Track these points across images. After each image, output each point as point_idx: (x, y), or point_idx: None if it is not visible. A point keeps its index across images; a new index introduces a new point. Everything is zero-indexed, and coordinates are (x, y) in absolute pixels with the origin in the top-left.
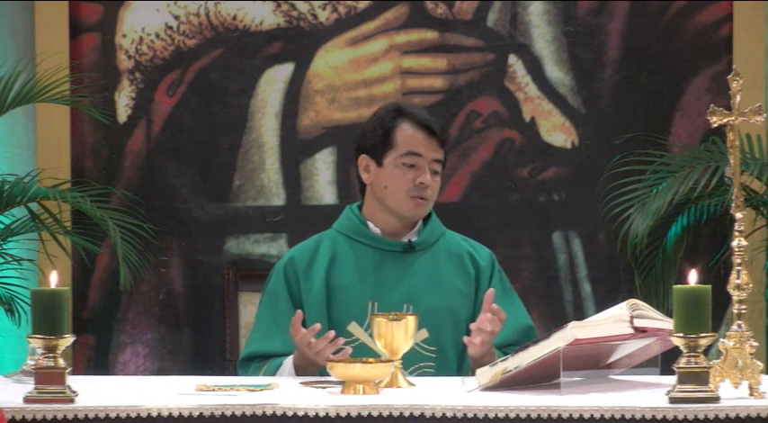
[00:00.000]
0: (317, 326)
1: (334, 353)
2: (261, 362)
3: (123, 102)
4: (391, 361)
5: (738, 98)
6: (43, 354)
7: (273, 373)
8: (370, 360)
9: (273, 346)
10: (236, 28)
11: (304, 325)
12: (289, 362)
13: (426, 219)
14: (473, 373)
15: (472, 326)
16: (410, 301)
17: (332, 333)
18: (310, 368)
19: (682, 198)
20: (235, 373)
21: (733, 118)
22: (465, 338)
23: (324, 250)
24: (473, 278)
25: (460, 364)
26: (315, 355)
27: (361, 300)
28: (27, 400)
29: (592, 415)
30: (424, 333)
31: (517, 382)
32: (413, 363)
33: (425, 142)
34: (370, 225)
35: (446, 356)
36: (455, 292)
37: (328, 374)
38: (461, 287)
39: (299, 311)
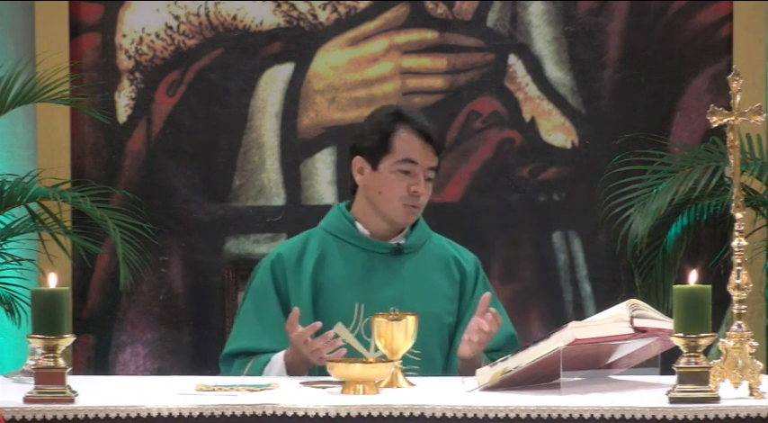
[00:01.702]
0: (318, 324)
1: (330, 353)
2: (245, 359)
3: (123, 102)
4: (391, 361)
5: (738, 98)
6: (43, 354)
7: (260, 371)
8: (371, 360)
9: (260, 344)
10: (236, 28)
11: None
12: (279, 359)
13: (414, 222)
14: (460, 375)
15: (472, 325)
16: (398, 304)
17: (330, 333)
18: (302, 367)
19: (682, 198)
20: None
21: (733, 118)
22: (466, 337)
23: (312, 249)
24: (458, 283)
25: (446, 367)
26: (310, 353)
27: (349, 301)
28: (27, 400)
29: (592, 415)
30: None
31: (517, 382)
32: None
33: (422, 150)
34: (359, 226)
35: (432, 359)
36: (442, 296)
37: (318, 373)
38: (448, 291)
39: (296, 308)
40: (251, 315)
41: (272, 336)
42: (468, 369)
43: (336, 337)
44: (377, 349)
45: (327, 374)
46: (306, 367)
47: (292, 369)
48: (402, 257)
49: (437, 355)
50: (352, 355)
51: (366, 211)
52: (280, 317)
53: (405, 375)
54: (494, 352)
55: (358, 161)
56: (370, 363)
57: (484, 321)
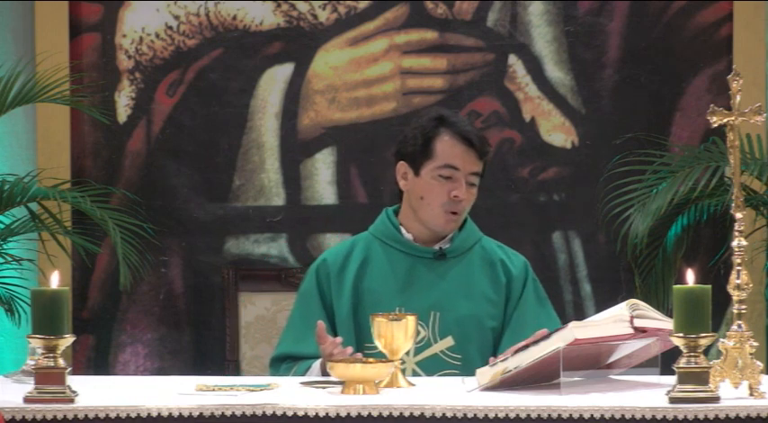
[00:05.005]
0: (339, 339)
1: None
2: (291, 363)
3: (123, 102)
4: (391, 361)
5: (738, 98)
6: (43, 354)
7: (303, 375)
8: (370, 360)
9: (305, 349)
10: (236, 28)
11: (334, 328)
12: (317, 365)
13: (461, 225)
14: None
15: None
16: (439, 307)
17: (350, 349)
18: None
19: (682, 198)
20: (234, 373)
21: (733, 118)
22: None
23: (357, 254)
24: (503, 286)
25: None
26: None
27: (390, 305)
28: (27, 400)
29: (592, 415)
30: (450, 341)
31: (517, 382)
32: (438, 369)
33: (464, 155)
34: (403, 231)
35: (471, 363)
36: (485, 300)
37: None
38: (491, 295)
39: (320, 322)
40: (297, 320)
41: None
42: None
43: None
44: (409, 353)
45: None
46: None
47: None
48: (446, 261)
49: (477, 359)
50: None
51: (410, 217)
52: (324, 322)
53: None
54: None
55: (401, 166)
56: (371, 363)
57: None
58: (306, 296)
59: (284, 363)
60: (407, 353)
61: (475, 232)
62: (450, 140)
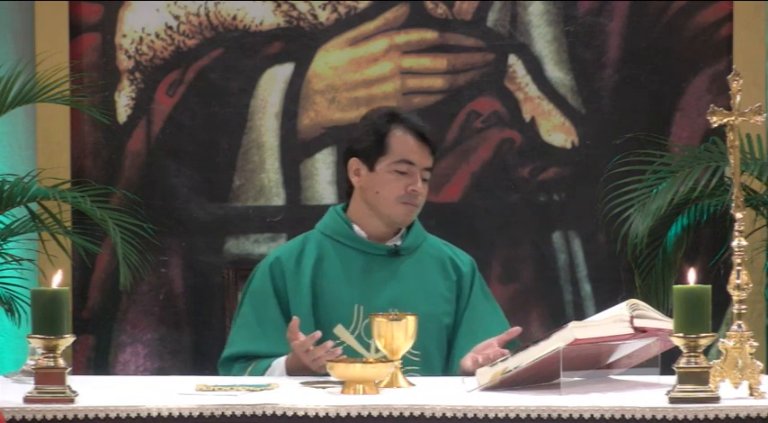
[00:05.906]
0: (318, 334)
1: None
2: (245, 362)
3: (123, 102)
4: (391, 361)
5: (738, 98)
6: (43, 354)
7: (261, 375)
8: (371, 360)
9: (260, 348)
10: (236, 28)
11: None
12: (280, 364)
13: (410, 223)
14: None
15: (484, 344)
16: (397, 305)
17: (330, 343)
18: (303, 373)
19: (682, 198)
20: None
21: (733, 118)
22: (473, 354)
23: (309, 251)
24: (454, 283)
25: (445, 369)
26: (311, 361)
27: (348, 302)
28: (27, 400)
29: (592, 415)
30: None
31: (517, 382)
32: None
33: (418, 150)
34: (356, 228)
35: (431, 360)
36: (440, 297)
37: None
38: (445, 292)
39: (295, 318)
40: (250, 318)
41: (272, 339)
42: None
43: (336, 339)
44: (377, 350)
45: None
46: (306, 374)
47: (293, 375)
48: (399, 259)
49: (436, 356)
50: (353, 356)
51: (363, 213)
52: (279, 320)
53: (405, 376)
54: None
55: (354, 163)
56: (370, 363)
57: (496, 351)
58: (258, 294)
59: (237, 363)
60: (368, 350)
61: (421, 231)
62: (404, 136)
